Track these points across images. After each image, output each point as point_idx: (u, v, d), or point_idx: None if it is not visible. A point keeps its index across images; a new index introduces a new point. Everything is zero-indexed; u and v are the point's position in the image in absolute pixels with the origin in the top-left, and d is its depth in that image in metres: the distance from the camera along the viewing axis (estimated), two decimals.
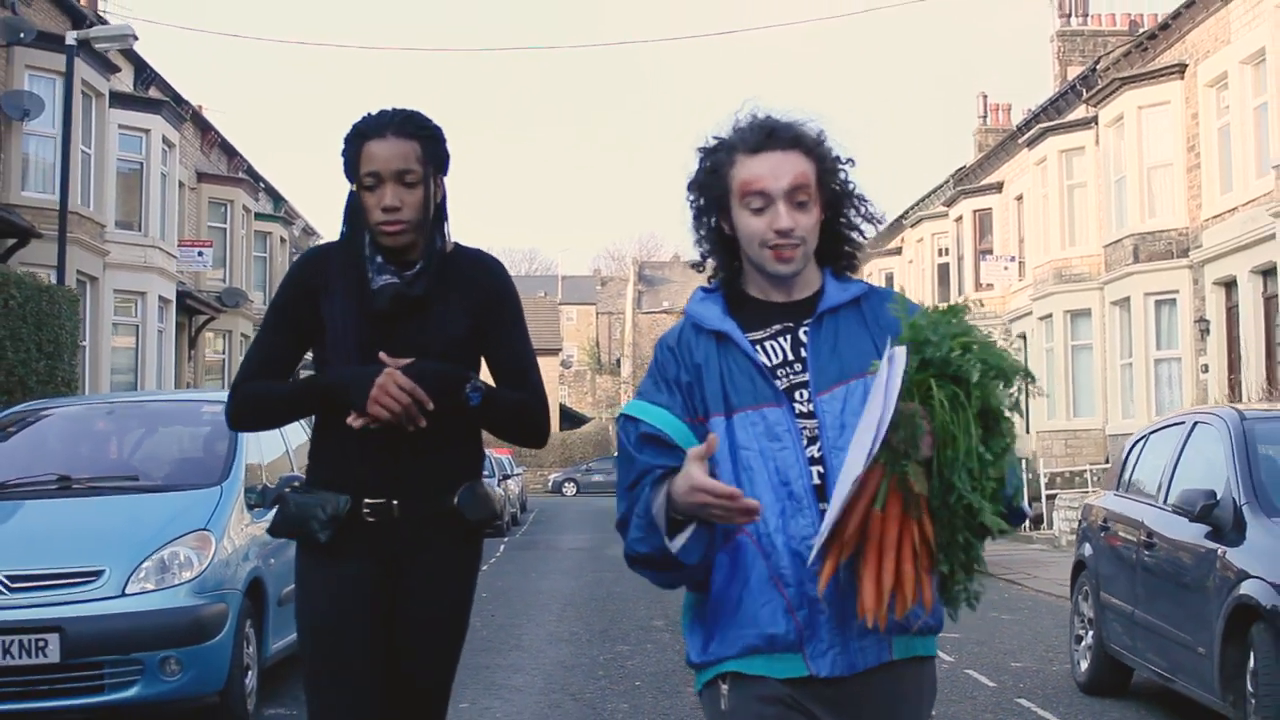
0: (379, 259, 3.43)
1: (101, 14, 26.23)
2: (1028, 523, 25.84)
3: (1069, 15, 34.78)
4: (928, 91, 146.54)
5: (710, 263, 2.76)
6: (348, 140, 3.44)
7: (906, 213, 43.31)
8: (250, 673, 7.23)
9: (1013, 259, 32.46)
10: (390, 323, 3.42)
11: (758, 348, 2.62)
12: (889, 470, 2.32)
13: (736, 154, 2.64)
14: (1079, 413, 27.91)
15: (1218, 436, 6.95)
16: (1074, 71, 31.75)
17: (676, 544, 2.49)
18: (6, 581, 6.42)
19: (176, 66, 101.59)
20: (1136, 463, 8.32)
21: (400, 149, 3.36)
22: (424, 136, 3.42)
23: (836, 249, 2.73)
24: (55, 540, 6.77)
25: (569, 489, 55.81)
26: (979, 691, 8.33)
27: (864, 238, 2.78)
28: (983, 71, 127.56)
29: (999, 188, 34.24)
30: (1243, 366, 21.98)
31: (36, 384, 14.01)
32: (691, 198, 2.72)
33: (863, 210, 2.75)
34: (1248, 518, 6.20)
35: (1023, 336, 31.25)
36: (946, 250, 37.34)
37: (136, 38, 19.13)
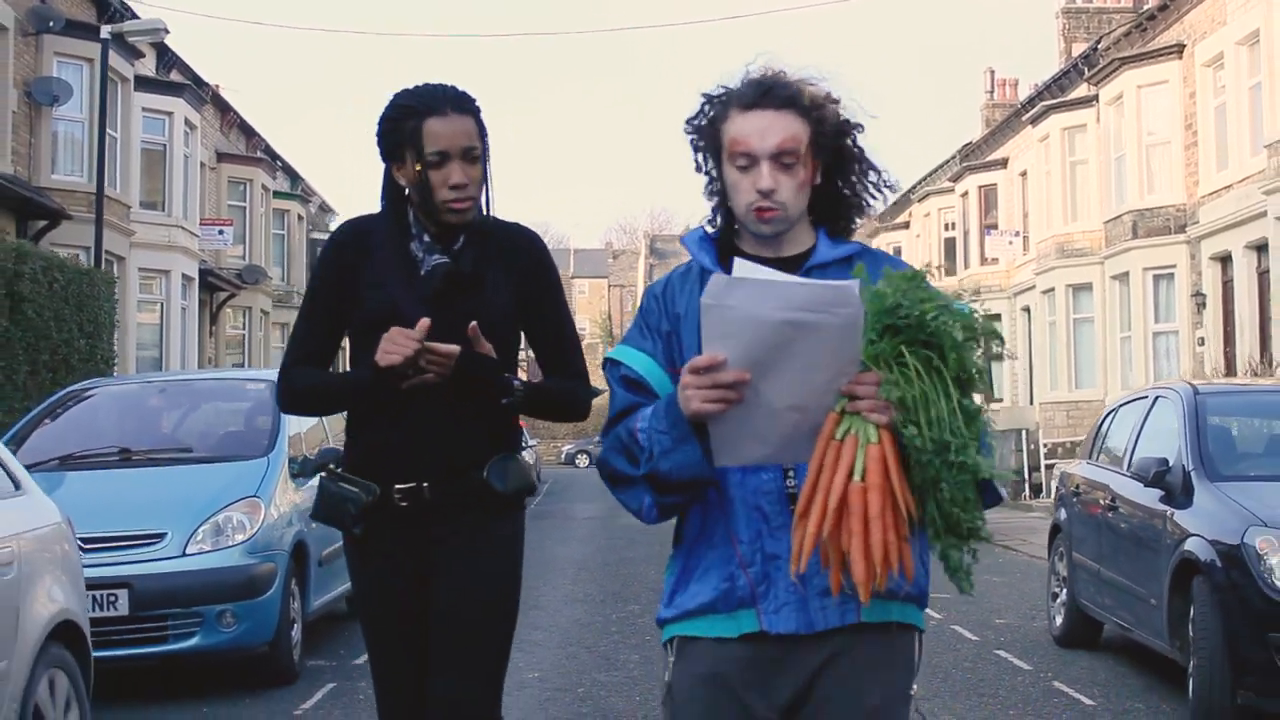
0: (425, 238, 3.42)
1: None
2: (1027, 490, 26.51)
3: None
4: (937, 67, 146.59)
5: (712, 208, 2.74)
6: (400, 118, 3.36)
7: (914, 187, 43.79)
8: (295, 626, 7.95)
9: (1017, 234, 33.01)
10: (442, 300, 3.38)
11: None
12: (862, 440, 2.31)
13: (730, 109, 2.61)
14: (1080, 384, 28.46)
15: (1173, 409, 7.64)
16: (1078, 48, 32.19)
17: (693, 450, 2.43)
18: (80, 543, 7.11)
19: (190, 43, 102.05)
20: (1106, 433, 9.03)
21: (464, 126, 3.35)
22: (476, 112, 3.42)
23: (834, 210, 2.69)
24: (121, 506, 7.47)
25: (582, 460, 56.53)
26: (962, 644, 9.03)
27: (867, 204, 2.71)
28: (991, 47, 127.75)
29: (1004, 164, 34.74)
30: (1237, 339, 22.59)
31: (79, 362, 14.77)
32: (691, 139, 2.70)
33: (870, 177, 2.69)
34: (1195, 483, 6.88)
35: (1026, 310, 31.86)
36: (953, 225, 37.88)
37: (168, 31, 19.80)
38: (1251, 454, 7.65)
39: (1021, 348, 32.70)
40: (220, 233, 30.89)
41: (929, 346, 2.30)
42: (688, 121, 2.68)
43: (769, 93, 2.57)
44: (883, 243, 45.01)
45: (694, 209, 2.92)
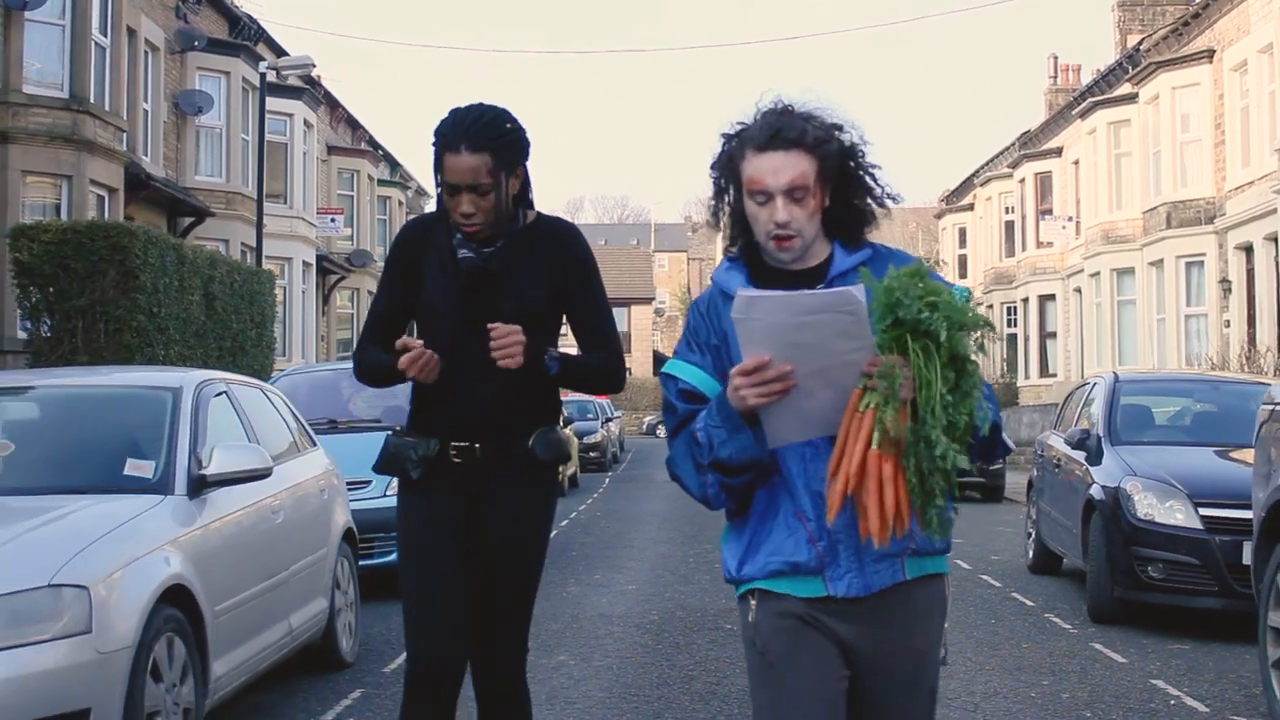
0: (459, 235, 3.81)
1: (249, 15, 29.84)
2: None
3: None
4: (1004, 54, 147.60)
5: (725, 226, 3.00)
6: (434, 142, 3.72)
7: (978, 171, 46.00)
8: None
9: (1070, 219, 35.13)
10: (475, 295, 3.79)
11: None
12: (881, 414, 2.59)
13: (747, 149, 2.87)
14: (1123, 361, 30.55)
15: (1101, 391, 10.35)
16: (1133, 39, 34.09)
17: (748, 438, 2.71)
18: None
19: (297, 39, 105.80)
20: (1065, 408, 11.73)
21: (472, 163, 3.65)
22: (496, 146, 3.68)
23: (844, 225, 2.95)
24: (339, 461, 10.33)
25: (661, 431, 58.87)
26: (956, 571, 11.72)
27: (872, 216, 2.97)
28: (1055, 34, 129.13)
29: (1059, 152, 36.75)
30: (1258, 322, 24.87)
31: (250, 347, 17.84)
32: (714, 175, 2.97)
33: (874, 193, 2.95)
34: (1104, 447, 9.56)
35: (1078, 291, 34.09)
36: (1012, 209, 40.04)
37: (314, 65, 22.79)
38: (1151, 425, 10.35)
39: (1074, 327, 34.97)
40: (333, 221, 33.84)
41: (928, 335, 2.60)
42: (712, 166, 2.97)
43: (778, 135, 2.84)
44: (949, 223, 47.28)
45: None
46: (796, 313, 2.60)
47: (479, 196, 3.67)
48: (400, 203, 41.95)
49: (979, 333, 2.67)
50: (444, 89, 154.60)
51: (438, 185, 3.72)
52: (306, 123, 31.54)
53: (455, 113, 3.72)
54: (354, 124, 39.43)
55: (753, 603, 2.91)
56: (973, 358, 2.64)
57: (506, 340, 3.64)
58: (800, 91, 2.93)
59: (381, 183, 40.20)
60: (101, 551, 4.76)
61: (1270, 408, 6.62)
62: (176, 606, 5.05)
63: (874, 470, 2.61)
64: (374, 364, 3.92)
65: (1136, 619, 8.86)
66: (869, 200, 2.95)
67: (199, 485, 5.64)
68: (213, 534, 5.63)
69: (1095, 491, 9.14)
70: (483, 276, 3.78)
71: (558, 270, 3.86)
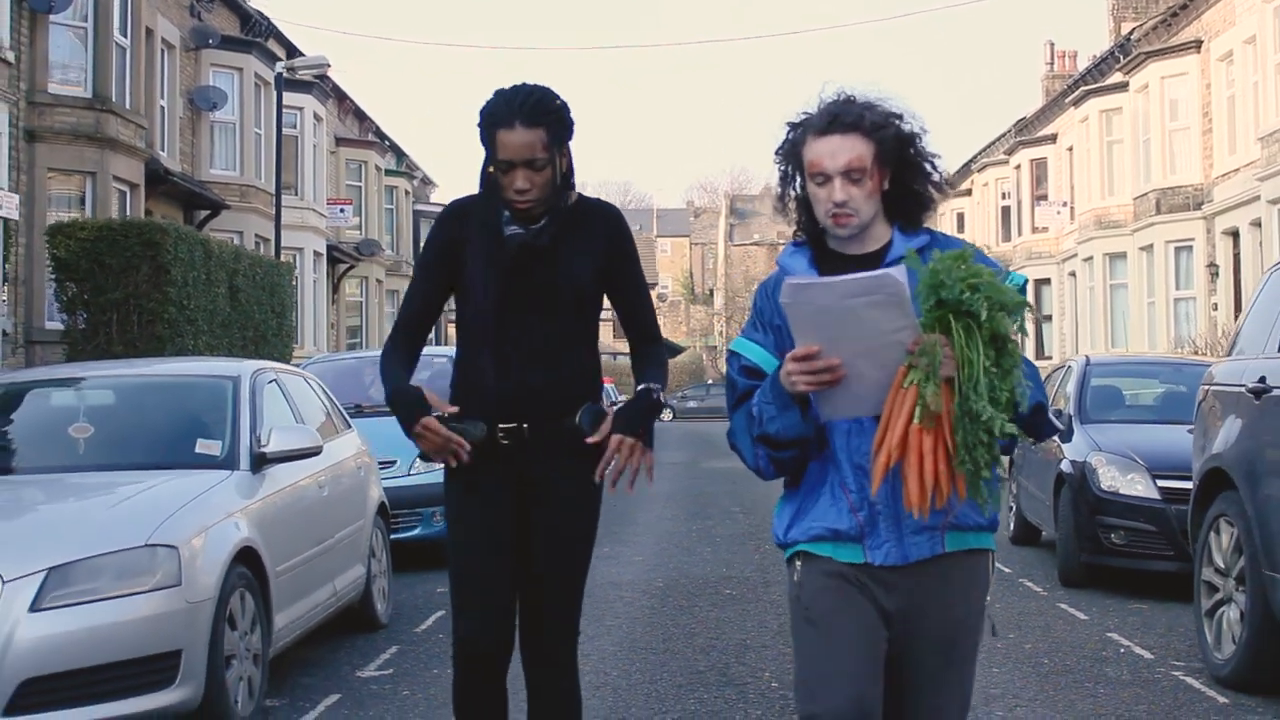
0: (507, 214, 3.79)
1: (260, 12, 30.58)
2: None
3: None
4: (1001, 40, 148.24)
5: (792, 211, 3.14)
6: (483, 123, 3.72)
7: (975, 158, 46.66)
8: None
9: (1064, 204, 35.83)
10: (522, 273, 3.80)
11: None
12: (922, 390, 2.72)
13: (808, 134, 3.04)
14: (1115, 344, 31.30)
15: (1074, 373, 11.15)
16: (1127, 27, 34.78)
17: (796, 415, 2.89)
18: None
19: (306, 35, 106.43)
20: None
21: (527, 139, 3.67)
22: (549, 121, 3.71)
23: (903, 208, 3.09)
24: (369, 442, 11.14)
25: (666, 415, 59.84)
26: None
27: (931, 201, 3.12)
28: (1052, 21, 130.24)
29: (1053, 139, 37.37)
30: (1244, 305, 25.58)
31: (271, 336, 18.64)
32: (778, 162, 3.13)
33: (932, 179, 3.11)
34: (1074, 425, 10.35)
35: (1073, 274, 34.77)
36: (1008, 194, 40.68)
37: (329, 65, 23.56)
38: (1119, 405, 11.14)
39: (1068, 310, 35.67)
40: (342, 211, 34.54)
41: (970, 315, 2.74)
42: (776, 152, 3.14)
43: (836, 120, 3.01)
44: (948, 209, 47.89)
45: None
46: (840, 296, 2.75)
47: (534, 172, 3.70)
48: (406, 192, 42.74)
49: (1021, 314, 2.80)
50: (448, 78, 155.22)
51: (487, 165, 3.75)
52: (316, 116, 32.33)
53: (501, 93, 3.76)
54: (361, 116, 40.13)
55: (798, 564, 3.08)
56: (1013, 337, 2.78)
57: (626, 454, 3.81)
58: (864, 84, 3.13)
59: (388, 173, 40.97)
60: (185, 518, 5.56)
61: (1208, 386, 7.38)
62: (246, 566, 5.85)
63: (915, 444, 2.76)
64: (389, 375, 3.86)
65: (1101, 582, 9.66)
66: (928, 186, 3.12)
67: (260, 462, 6.44)
68: (272, 504, 6.42)
69: (1065, 466, 9.92)
70: (531, 253, 3.80)
71: (604, 250, 3.91)
